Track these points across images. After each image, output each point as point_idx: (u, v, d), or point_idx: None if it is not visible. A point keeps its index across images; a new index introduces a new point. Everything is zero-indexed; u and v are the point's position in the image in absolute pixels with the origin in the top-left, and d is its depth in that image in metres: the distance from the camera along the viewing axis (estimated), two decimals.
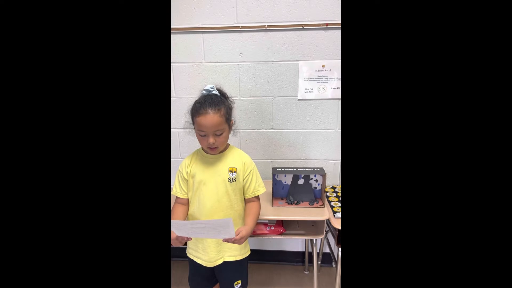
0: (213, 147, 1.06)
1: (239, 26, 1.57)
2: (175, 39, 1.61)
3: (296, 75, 1.61)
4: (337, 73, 1.59)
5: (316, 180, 1.50)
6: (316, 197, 1.50)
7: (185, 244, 1.17)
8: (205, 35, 1.60)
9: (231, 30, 1.58)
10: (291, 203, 1.46)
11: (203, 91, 1.11)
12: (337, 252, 1.47)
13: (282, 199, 1.51)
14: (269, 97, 1.66)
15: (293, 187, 1.49)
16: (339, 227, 1.31)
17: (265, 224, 1.45)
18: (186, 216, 1.18)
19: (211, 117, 1.01)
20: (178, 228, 0.99)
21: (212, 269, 1.20)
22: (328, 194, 1.59)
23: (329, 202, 1.52)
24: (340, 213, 1.39)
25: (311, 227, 1.48)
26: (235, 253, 1.18)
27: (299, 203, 1.46)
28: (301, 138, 1.71)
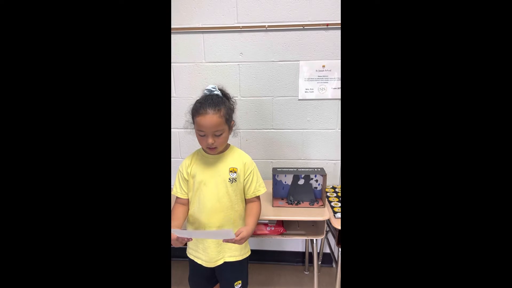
0: (212, 148, 1.06)
1: (239, 26, 1.56)
2: (175, 39, 1.61)
3: (297, 75, 1.61)
4: (337, 73, 1.59)
5: (317, 180, 1.50)
6: (317, 197, 1.50)
7: (185, 244, 1.17)
8: (206, 35, 1.60)
9: (232, 30, 1.58)
10: (291, 203, 1.46)
11: (205, 91, 1.11)
12: (337, 252, 1.47)
13: (282, 199, 1.51)
14: (269, 97, 1.66)
15: (293, 187, 1.49)
16: (340, 227, 1.31)
17: (265, 224, 1.45)
18: (187, 217, 1.18)
19: (210, 117, 1.01)
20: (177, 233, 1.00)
21: (212, 269, 1.20)
22: (328, 194, 1.59)
23: (330, 202, 1.51)
24: (340, 213, 1.38)
25: (311, 227, 1.48)
26: (236, 253, 1.18)
27: (300, 203, 1.46)
28: (301, 138, 1.71)
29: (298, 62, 1.59)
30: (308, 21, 1.54)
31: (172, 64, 1.64)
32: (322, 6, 1.51)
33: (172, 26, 1.57)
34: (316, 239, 1.45)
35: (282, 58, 1.60)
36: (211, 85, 1.11)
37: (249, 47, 1.60)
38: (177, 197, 1.17)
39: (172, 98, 1.68)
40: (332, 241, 1.81)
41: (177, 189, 1.16)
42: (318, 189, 1.51)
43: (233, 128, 1.14)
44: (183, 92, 1.69)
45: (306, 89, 1.63)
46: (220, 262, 1.17)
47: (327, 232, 1.73)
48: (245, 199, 1.18)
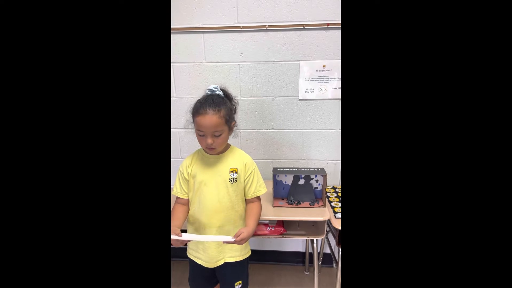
0: (211, 148, 1.06)
1: (239, 26, 1.56)
2: (175, 39, 1.61)
3: (297, 75, 1.61)
4: (337, 73, 1.59)
5: (317, 181, 1.50)
6: (317, 197, 1.50)
7: (186, 244, 1.17)
8: (206, 35, 1.60)
9: (232, 30, 1.58)
10: (291, 204, 1.46)
11: (207, 91, 1.10)
12: (338, 252, 1.47)
13: (282, 199, 1.50)
14: (269, 97, 1.66)
15: (293, 187, 1.49)
16: (340, 228, 1.31)
17: (266, 225, 1.45)
18: (187, 217, 1.17)
19: (209, 118, 1.01)
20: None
21: (212, 270, 1.20)
22: (328, 194, 1.59)
23: (330, 202, 1.51)
24: (340, 213, 1.38)
25: (311, 227, 1.48)
26: (236, 254, 1.18)
27: (300, 204, 1.46)
28: (301, 138, 1.71)
29: (298, 62, 1.59)
30: (309, 21, 1.53)
31: (172, 64, 1.64)
32: (323, 6, 1.51)
33: (173, 26, 1.57)
34: (317, 239, 1.45)
35: (283, 58, 1.60)
36: (213, 85, 1.10)
37: (250, 47, 1.60)
38: (177, 197, 1.17)
39: (172, 98, 1.68)
40: (333, 241, 1.80)
41: (177, 189, 1.16)
42: (318, 189, 1.50)
43: (234, 129, 1.13)
44: (183, 92, 1.69)
45: (306, 89, 1.62)
46: (221, 262, 1.17)
47: (327, 232, 1.73)
48: (245, 199, 1.18)
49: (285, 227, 1.46)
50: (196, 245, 1.19)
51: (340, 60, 1.54)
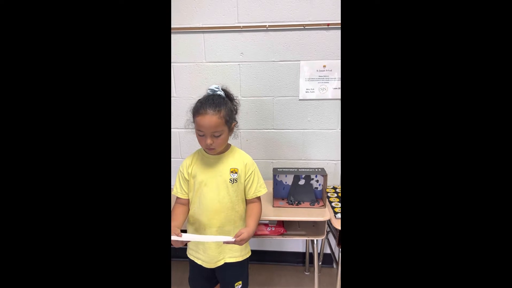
0: (210, 148, 1.06)
1: (240, 26, 1.56)
2: (175, 39, 1.60)
3: (297, 75, 1.61)
4: (338, 73, 1.59)
5: (317, 181, 1.49)
6: (317, 197, 1.50)
7: (186, 244, 1.17)
8: (206, 35, 1.60)
9: (232, 30, 1.58)
10: (291, 204, 1.46)
11: (208, 91, 1.10)
12: (338, 253, 1.46)
13: (282, 199, 1.50)
14: (270, 97, 1.66)
15: (294, 187, 1.49)
16: (340, 228, 1.31)
17: (266, 225, 1.45)
18: (187, 217, 1.17)
19: (209, 118, 1.01)
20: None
21: (212, 270, 1.20)
22: (329, 194, 1.59)
23: (330, 202, 1.51)
24: (340, 213, 1.38)
25: (312, 227, 1.48)
26: (236, 254, 1.18)
27: (300, 204, 1.46)
28: (302, 138, 1.70)
29: (298, 62, 1.59)
30: (309, 21, 1.53)
31: (172, 64, 1.64)
32: (323, 6, 1.51)
33: (173, 26, 1.57)
34: (317, 240, 1.45)
35: (283, 58, 1.60)
36: (214, 85, 1.10)
37: (250, 47, 1.60)
38: (177, 197, 1.17)
39: (172, 98, 1.68)
40: (333, 242, 1.80)
41: (177, 189, 1.16)
42: (318, 189, 1.50)
43: (234, 130, 1.13)
44: (184, 92, 1.69)
45: (306, 89, 1.62)
46: (221, 262, 1.17)
47: (327, 232, 1.73)
48: (245, 199, 1.18)
49: (285, 227, 1.46)
50: (196, 246, 1.19)
51: (340, 60, 1.54)
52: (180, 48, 1.62)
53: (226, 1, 1.54)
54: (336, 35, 1.54)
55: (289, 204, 1.46)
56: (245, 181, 1.14)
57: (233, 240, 1.03)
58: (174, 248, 1.02)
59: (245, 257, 1.21)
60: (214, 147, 1.05)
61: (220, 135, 1.04)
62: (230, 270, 1.19)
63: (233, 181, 1.11)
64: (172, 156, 1.73)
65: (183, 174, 1.15)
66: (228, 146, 1.16)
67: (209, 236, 1.12)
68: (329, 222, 1.50)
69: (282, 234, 1.43)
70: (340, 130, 1.65)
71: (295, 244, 1.93)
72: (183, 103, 1.66)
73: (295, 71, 1.61)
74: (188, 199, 1.16)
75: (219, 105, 1.03)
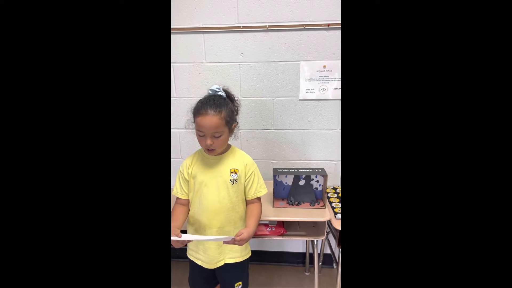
0: (210, 149, 1.06)
1: (240, 26, 1.56)
2: (176, 39, 1.60)
3: (297, 76, 1.61)
4: (338, 73, 1.58)
5: (317, 181, 1.49)
6: (317, 198, 1.50)
7: (186, 245, 1.17)
8: (206, 35, 1.60)
9: (232, 30, 1.58)
10: (292, 204, 1.46)
11: (209, 91, 1.10)
12: (338, 253, 1.46)
13: (283, 200, 1.50)
14: (270, 98, 1.66)
15: (294, 188, 1.49)
16: (340, 228, 1.31)
17: (266, 225, 1.45)
18: (187, 217, 1.17)
19: (210, 118, 1.00)
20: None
21: (212, 271, 1.19)
22: (329, 195, 1.59)
23: (330, 203, 1.51)
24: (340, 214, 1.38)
25: (312, 228, 1.48)
26: (236, 255, 1.18)
27: (300, 204, 1.46)
28: (302, 138, 1.70)
29: (299, 62, 1.59)
30: (309, 21, 1.53)
31: (172, 64, 1.64)
32: (323, 6, 1.51)
33: (173, 26, 1.57)
34: (317, 240, 1.44)
35: (283, 58, 1.60)
36: (215, 85, 1.10)
37: (250, 47, 1.60)
38: (177, 198, 1.17)
39: (172, 98, 1.68)
40: (333, 242, 1.80)
41: (177, 190, 1.16)
42: (319, 189, 1.50)
43: (235, 130, 1.13)
44: (184, 92, 1.69)
45: (307, 89, 1.62)
46: (221, 263, 1.17)
47: (327, 233, 1.72)
48: (245, 200, 1.18)
49: (286, 227, 1.46)
50: (196, 246, 1.18)
51: (340, 60, 1.54)
52: (180, 48, 1.62)
53: (226, 1, 1.54)
54: (336, 35, 1.54)
55: (289, 204, 1.46)
56: (245, 181, 1.14)
57: (233, 240, 1.03)
58: (174, 248, 1.02)
59: (245, 258, 1.20)
60: (214, 147, 1.05)
61: (220, 136, 1.04)
62: (230, 271, 1.19)
63: (233, 181, 1.11)
64: (172, 156, 1.73)
65: (183, 174, 1.15)
66: (228, 147, 1.15)
67: (209, 236, 1.12)
68: (329, 223, 1.49)
69: (282, 235, 1.43)
70: (340, 131, 1.65)
71: (295, 244, 1.93)
72: (183, 103, 1.66)
73: (295, 72, 1.61)
74: (188, 200, 1.16)
75: (220, 106, 1.03)
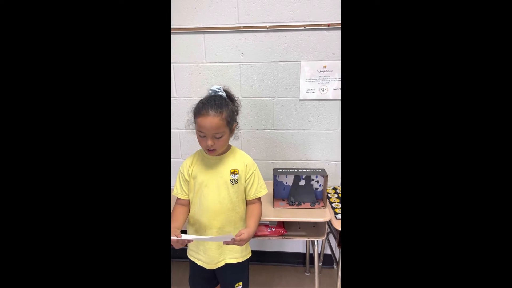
0: (211, 149, 1.05)
1: (240, 27, 1.56)
2: (176, 39, 1.60)
3: (298, 76, 1.61)
4: (338, 73, 1.58)
5: (318, 181, 1.49)
6: (318, 198, 1.50)
7: (186, 245, 1.17)
8: (206, 35, 1.60)
9: (233, 31, 1.57)
10: (292, 204, 1.46)
11: (210, 91, 1.10)
12: (338, 253, 1.46)
13: (283, 200, 1.50)
14: (270, 98, 1.66)
15: (294, 188, 1.49)
16: (340, 229, 1.31)
17: (266, 225, 1.45)
18: (187, 218, 1.17)
19: (211, 119, 1.00)
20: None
21: (212, 271, 1.19)
22: (329, 195, 1.59)
23: (331, 203, 1.51)
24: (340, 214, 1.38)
25: (312, 228, 1.48)
26: (236, 255, 1.18)
27: (300, 204, 1.46)
28: (302, 139, 1.70)
29: (299, 62, 1.59)
30: (309, 21, 1.53)
31: (173, 65, 1.64)
32: (323, 6, 1.51)
33: (173, 26, 1.57)
34: (317, 240, 1.44)
35: (283, 59, 1.60)
36: (216, 86, 1.10)
37: (250, 47, 1.59)
38: (177, 198, 1.17)
39: (172, 99, 1.68)
40: (333, 242, 1.80)
41: (177, 190, 1.16)
42: (319, 190, 1.50)
43: (235, 130, 1.13)
44: (184, 93, 1.69)
45: (307, 89, 1.62)
46: (221, 264, 1.17)
47: (328, 233, 1.72)
48: (246, 200, 1.17)
49: (286, 228, 1.45)
50: (197, 246, 1.18)
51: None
52: (181, 48, 1.62)
53: (227, 1, 1.54)
54: (337, 35, 1.54)
55: (289, 204, 1.46)
56: (245, 182, 1.14)
57: (233, 240, 1.03)
58: (174, 248, 1.02)
59: (245, 258, 1.20)
60: (215, 148, 1.05)
61: (221, 137, 1.04)
62: (231, 271, 1.19)
63: (234, 182, 1.11)
64: (172, 157, 1.73)
65: (183, 174, 1.15)
66: (228, 147, 1.15)
67: (209, 236, 1.11)
68: (329, 223, 1.49)
69: (282, 235, 1.42)
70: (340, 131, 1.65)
71: (295, 244, 1.93)
72: (183, 104, 1.66)
73: (295, 72, 1.60)
74: (189, 200, 1.16)
75: (221, 107, 1.02)
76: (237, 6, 1.54)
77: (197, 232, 1.15)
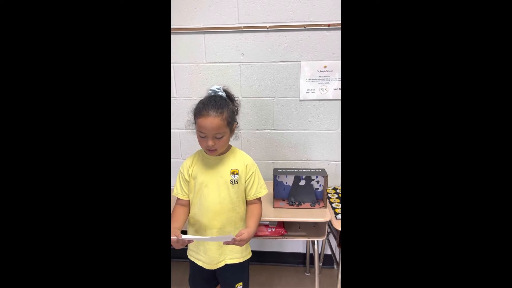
0: (211, 150, 1.05)
1: (240, 27, 1.56)
2: (176, 39, 1.60)
3: (298, 76, 1.61)
4: (339, 73, 1.58)
5: (318, 181, 1.49)
6: (318, 198, 1.50)
7: (186, 245, 1.16)
8: (207, 35, 1.60)
9: (233, 31, 1.57)
10: (292, 204, 1.46)
11: (209, 91, 1.10)
12: (339, 253, 1.46)
13: (283, 200, 1.50)
14: (270, 98, 1.66)
15: (294, 188, 1.49)
16: (340, 229, 1.31)
17: (266, 226, 1.45)
18: (187, 218, 1.17)
19: (212, 120, 1.00)
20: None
21: (213, 271, 1.19)
22: (329, 195, 1.59)
23: (331, 203, 1.51)
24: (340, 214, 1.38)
25: (312, 228, 1.47)
26: (237, 255, 1.17)
27: (301, 204, 1.46)
28: (302, 139, 1.70)
29: (299, 62, 1.59)
30: (310, 21, 1.53)
31: (173, 65, 1.64)
32: (324, 6, 1.51)
33: (173, 26, 1.57)
34: (317, 241, 1.44)
35: (283, 59, 1.59)
36: (216, 86, 1.10)
37: (250, 47, 1.59)
38: (177, 198, 1.17)
39: (173, 99, 1.68)
40: (333, 243, 1.80)
41: (177, 190, 1.16)
42: (319, 190, 1.50)
43: (235, 131, 1.13)
44: (184, 93, 1.69)
45: (307, 89, 1.62)
46: (221, 264, 1.17)
47: (328, 233, 1.72)
48: (246, 200, 1.17)
49: (286, 228, 1.45)
50: (197, 247, 1.18)
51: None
52: (181, 48, 1.62)
53: (227, 1, 1.54)
54: (337, 35, 1.54)
55: (289, 204, 1.46)
56: (245, 182, 1.14)
57: (233, 240, 1.03)
58: (174, 248, 1.02)
59: (245, 258, 1.20)
60: (215, 148, 1.05)
61: (222, 137, 1.04)
62: (231, 271, 1.19)
63: (234, 182, 1.11)
64: (172, 157, 1.73)
65: (183, 175, 1.15)
66: (228, 147, 1.15)
67: (209, 236, 1.11)
68: (329, 223, 1.49)
69: (282, 235, 1.42)
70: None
71: (295, 245, 1.93)
72: (183, 104, 1.66)
73: (295, 72, 1.60)
74: (189, 200, 1.16)
75: (222, 107, 1.02)
76: (237, 6, 1.54)
77: (197, 232, 1.15)
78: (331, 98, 1.62)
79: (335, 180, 1.72)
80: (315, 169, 1.51)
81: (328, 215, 1.37)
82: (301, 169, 1.54)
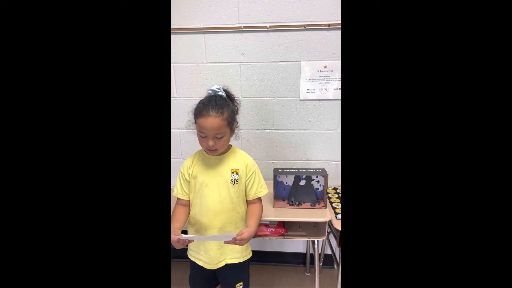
0: (212, 150, 1.05)
1: (240, 27, 1.56)
2: (176, 39, 1.60)
3: (298, 76, 1.61)
4: (339, 73, 1.58)
5: (318, 181, 1.49)
6: (318, 198, 1.50)
7: (187, 245, 1.16)
8: (207, 35, 1.60)
9: (233, 31, 1.57)
10: (292, 204, 1.46)
11: (209, 91, 1.09)
12: (339, 253, 1.46)
13: (283, 200, 1.50)
14: (270, 98, 1.66)
15: (294, 188, 1.49)
16: (340, 229, 1.31)
17: (266, 225, 1.45)
18: (188, 218, 1.17)
19: (212, 120, 1.00)
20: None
21: (213, 271, 1.19)
22: (330, 195, 1.59)
23: (331, 203, 1.51)
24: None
25: (312, 228, 1.48)
26: (237, 255, 1.17)
27: (301, 204, 1.46)
28: (302, 139, 1.70)
29: (299, 62, 1.59)
30: (310, 21, 1.53)
31: (173, 65, 1.64)
32: (324, 6, 1.51)
33: (173, 26, 1.57)
34: (318, 240, 1.44)
35: (284, 59, 1.59)
36: (216, 86, 1.10)
37: (251, 47, 1.59)
38: (178, 198, 1.17)
39: (173, 99, 1.68)
40: (334, 243, 1.80)
41: (178, 190, 1.16)
42: (319, 190, 1.50)
43: (235, 130, 1.13)
44: (184, 93, 1.69)
45: (307, 89, 1.62)
46: (222, 264, 1.17)
47: (328, 233, 1.72)
48: (246, 200, 1.17)
49: (286, 228, 1.45)
50: (197, 247, 1.18)
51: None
52: (181, 48, 1.62)
53: (227, 1, 1.54)
54: (337, 35, 1.54)
55: (289, 204, 1.46)
56: (246, 181, 1.14)
57: (234, 239, 1.03)
58: (174, 248, 1.02)
59: (246, 258, 1.20)
60: (216, 148, 1.05)
61: (222, 137, 1.04)
62: (231, 271, 1.19)
63: (234, 182, 1.11)
64: (172, 157, 1.73)
65: (183, 175, 1.15)
66: (229, 147, 1.15)
67: (209, 236, 1.11)
68: (330, 223, 1.49)
69: (282, 235, 1.42)
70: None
71: (295, 244, 1.93)
72: (183, 104, 1.66)
73: (296, 72, 1.60)
74: (189, 200, 1.16)
75: (222, 107, 1.02)
76: (238, 6, 1.54)
77: (197, 232, 1.15)
78: (331, 98, 1.62)
79: (335, 180, 1.72)
80: (315, 169, 1.51)
81: (328, 215, 1.37)
82: (301, 169, 1.54)
